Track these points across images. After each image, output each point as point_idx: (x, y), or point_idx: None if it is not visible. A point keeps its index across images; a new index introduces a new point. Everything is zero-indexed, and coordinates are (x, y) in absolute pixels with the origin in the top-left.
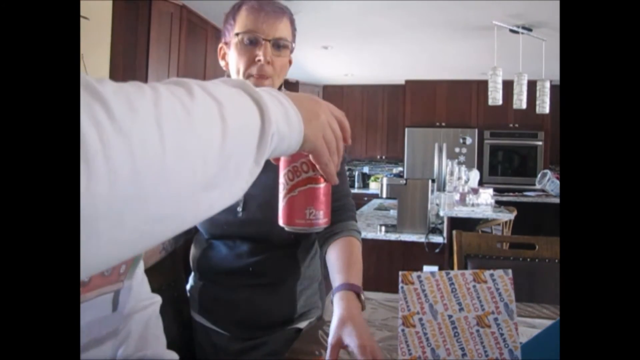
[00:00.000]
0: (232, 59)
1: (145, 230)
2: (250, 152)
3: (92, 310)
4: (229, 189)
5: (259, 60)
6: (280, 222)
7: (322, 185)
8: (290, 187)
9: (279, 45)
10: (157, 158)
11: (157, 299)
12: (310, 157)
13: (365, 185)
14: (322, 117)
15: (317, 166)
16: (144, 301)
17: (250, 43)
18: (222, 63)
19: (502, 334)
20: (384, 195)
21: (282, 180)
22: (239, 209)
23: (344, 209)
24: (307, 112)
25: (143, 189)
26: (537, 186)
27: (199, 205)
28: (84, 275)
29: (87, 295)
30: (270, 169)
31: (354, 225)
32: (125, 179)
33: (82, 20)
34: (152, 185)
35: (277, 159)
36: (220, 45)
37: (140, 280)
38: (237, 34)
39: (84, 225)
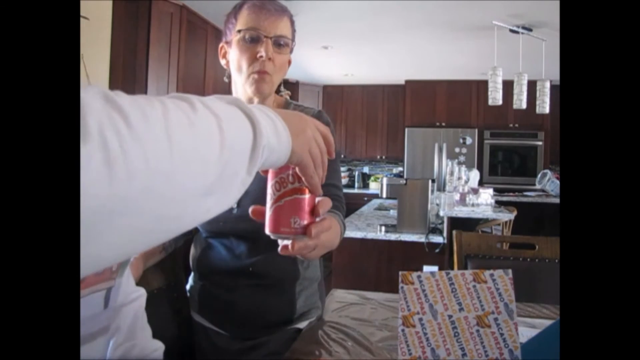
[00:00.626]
0: (233, 57)
1: (151, 229)
2: (244, 163)
3: (85, 307)
4: (224, 196)
5: (261, 57)
6: (267, 230)
7: (307, 196)
8: (277, 197)
9: (279, 43)
10: (166, 163)
11: (142, 292)
12: (297, 169)
13: (365, 185)
14: (308, 132)
15: (303, 178)
16: (131, 294)
17: (252, 40)
18: (222, 62)
19: (502, 334)
20: (384, 195)
21: (269, 190)
22: (234, 205)
23: (330, 197)
24: (294, 127)
25: (153, 190)
26: (537, 186)
27: (198, 209)
28: (98, 267)
29: (81, 293)
30: None
31: (337, 213)
32: (140, 180)
33: (82, 20)
34: (161, 187)
35: (266, 171)
36: (221, 44)
37: (127, 275)
38: (239, 31)
39: (103, 221)
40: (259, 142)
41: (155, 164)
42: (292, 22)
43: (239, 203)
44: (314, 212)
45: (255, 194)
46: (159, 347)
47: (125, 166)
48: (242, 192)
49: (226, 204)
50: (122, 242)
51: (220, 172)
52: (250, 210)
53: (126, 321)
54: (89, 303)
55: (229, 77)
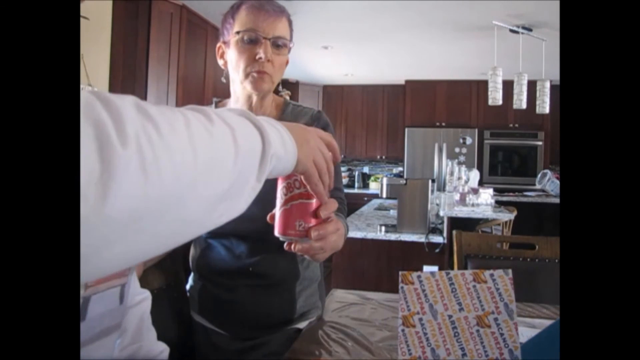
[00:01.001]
0: (231, 58)
1: (171, 233)
2: (254, 171)
3: (103, 302)
4: (236, 202)
5: (260, 58)
6: (275, 232)
7: (312, 201)
8: (284, 201)
9: (278, 44)
10: (191, 170)
11: (147, 294)
12: (302, 178)
13: (365, 185)
14: (312, 142)
15: (308, 186)
16: (137, 296)
17: (251, 41)
18: (220, 62)
19: (502, 334)
20: (384, 195)
21: (278, 194)
22: None
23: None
24: (299, 138)
25: (179, 197)
26: (537, 186)
27: (214, 213)
28: (122, 267)
29: (99, 287)
30: None
31: (340, 216)
32: (168, 186)
33: (82, 20)
34: (185, 194)
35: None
36: (218, 44)
37: (133, 277)
38: (237, 33)
39: (133, 223)
40: (267, 151)
41: (181, 172)
42: (290, 22)
43: None
44: (319, 215)
45: (256, 195)
46: (164, 349)
47: (157, 173)
48: (252, 198)
49: (238, 210)
50: (145, 244)
51: (234, 180)
52: (268, 217)
53: (132, 323)
54: (107, 298)
55: (227, 77)
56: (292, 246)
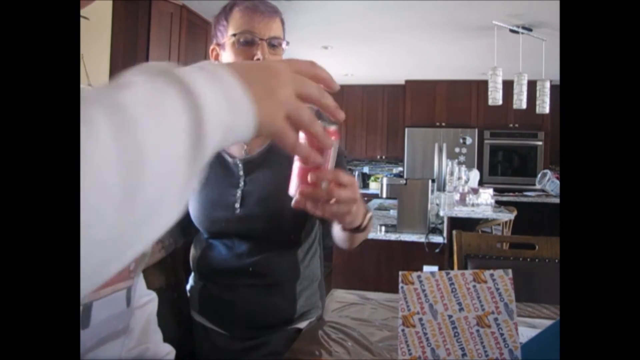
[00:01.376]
0: (227, 60)
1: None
2: (181, 171)
3: (109, 306)
4: (160, 220)
5: (258, 60)
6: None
7: (307, 165)
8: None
9: (273, 44)
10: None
11: (154, 296)
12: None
13: (365, 185)
14: (281, 92)
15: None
16: (143, 297)
17: (247, 43)
18: None
19: (502, 334)
20: (384, 195)
21: None
22: (237, 205)
23: None
24: (259, 89)
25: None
26: (537, 186)
27: (128, 252)
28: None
29: (103, 292)
30: (268, 166)
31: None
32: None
33: (82, 20)
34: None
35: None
36: (212, 46)
37: (140, 278)
38: (233, 35)
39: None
40: (202, 129)
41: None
42: (283, 22)
43: (242, 203)
44: (313, 180)
45: (258, 193)
46: (170, 350)
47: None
48: (187, 199)
49: (168, 222)
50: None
51: (140, 214)
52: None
53: (139, 324)
54: (113, 302)
55: None
56: (295, 201)
